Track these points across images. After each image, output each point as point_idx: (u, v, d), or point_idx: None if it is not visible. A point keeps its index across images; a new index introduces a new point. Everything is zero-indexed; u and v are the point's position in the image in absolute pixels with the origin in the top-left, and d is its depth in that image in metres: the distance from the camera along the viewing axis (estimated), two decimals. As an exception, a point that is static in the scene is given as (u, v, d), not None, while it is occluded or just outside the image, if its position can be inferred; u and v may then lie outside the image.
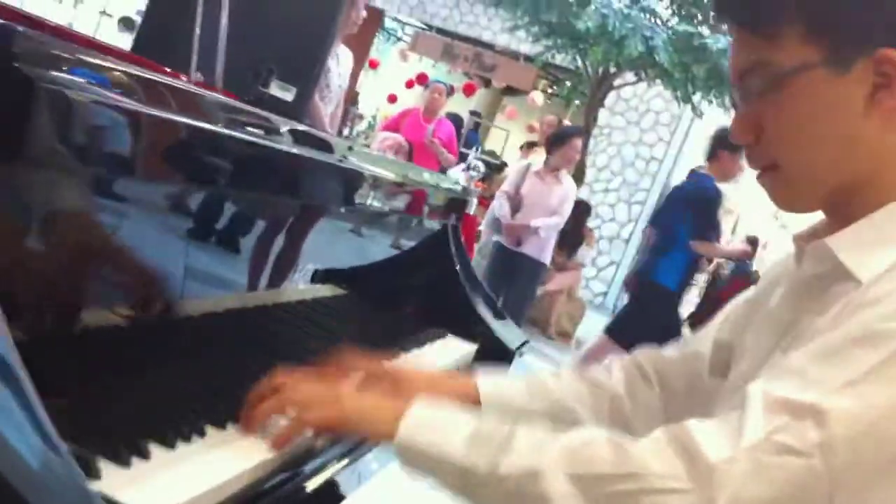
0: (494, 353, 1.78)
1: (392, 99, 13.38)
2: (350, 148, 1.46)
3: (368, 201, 1.61)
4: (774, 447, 0.75)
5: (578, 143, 5.62)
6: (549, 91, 12.55)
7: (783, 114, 0.89)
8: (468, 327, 1.81)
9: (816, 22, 0.87)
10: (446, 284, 1.94)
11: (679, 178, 9.71)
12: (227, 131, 1.04)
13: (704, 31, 6.94)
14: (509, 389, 1.16)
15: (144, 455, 0.78)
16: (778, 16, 0.88)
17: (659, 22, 7.09)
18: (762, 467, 0.75)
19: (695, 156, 9.28)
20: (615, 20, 6.49)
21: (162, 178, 0.98)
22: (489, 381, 1.16)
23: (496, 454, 0.84)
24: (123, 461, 0.76)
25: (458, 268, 2.03)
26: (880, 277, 0.81)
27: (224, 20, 1.45)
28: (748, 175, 7.81)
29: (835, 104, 0.87)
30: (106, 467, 0.73)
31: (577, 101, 11.41)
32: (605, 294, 10.38)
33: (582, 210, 6.40)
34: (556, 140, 5.70)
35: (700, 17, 7.21)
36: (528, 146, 8.65)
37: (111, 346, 0.97)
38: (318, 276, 1.67)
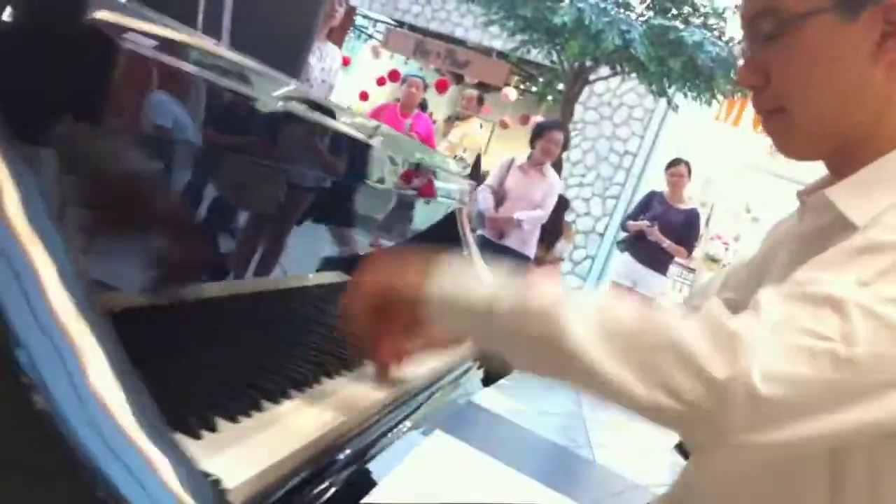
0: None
1: (363, 96, 13.33)
2: (377, 127, 1.44)
3: (385, 182, 1.59)
4: (797, 329, 0.73)
5: (557, 135, 5.63)
6: (522, 87, 12.56)
7: (791, 58, 0.90)
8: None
9: None
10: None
11: (653, 172, 9.79)
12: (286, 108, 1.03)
13: (679, 24, 6.99)
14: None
15: (213, 428, 0.77)
16: None
17: (634, 16, 7.12)
18: (788, 346, 0.72)
19: (669, 150, 9.35)
20: (591, 14, 6.50)
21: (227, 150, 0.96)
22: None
23: (521, 294, 0.82)
24: (195, 434, 0.74)
25: (465, 253, 2.02)
26: (876, 217, 0.82)
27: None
28: (722, 171, 7.91)
29: (841, 50, 0.89)
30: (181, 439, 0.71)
31: (549, 97, 11.44)
32: (581, 289, 10.42)
33: (561, 204, 6.41)
34: (535, 133, 5.72)
35: (674, 12, 7.26)
36: (448, 121, 8.69)
37: (152, 325, 0.95)
38: (325, 264, 1.65)
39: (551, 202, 5.74)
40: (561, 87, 8.56)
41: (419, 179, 1.79)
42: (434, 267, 0.91)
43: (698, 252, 9.36)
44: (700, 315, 0.76)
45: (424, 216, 2.04)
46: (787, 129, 0.94)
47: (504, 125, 11.88)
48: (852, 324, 0.72)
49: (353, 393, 1.01)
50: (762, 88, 0.94)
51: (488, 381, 1.87)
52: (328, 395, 0.97)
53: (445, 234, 2.03)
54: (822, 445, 0.81)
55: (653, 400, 0.74)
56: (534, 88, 12.31)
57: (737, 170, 10.88)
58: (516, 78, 12.24)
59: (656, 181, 8.14)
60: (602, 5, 6.60)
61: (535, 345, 0.81)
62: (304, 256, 1.44)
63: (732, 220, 11.34)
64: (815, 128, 0.93)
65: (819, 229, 0.92)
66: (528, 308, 0.81)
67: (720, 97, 7.37)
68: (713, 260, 10.72)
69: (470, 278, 0.89)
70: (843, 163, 0.93)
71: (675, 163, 6.42)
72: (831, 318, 0.73)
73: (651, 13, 7.14)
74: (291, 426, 0.85)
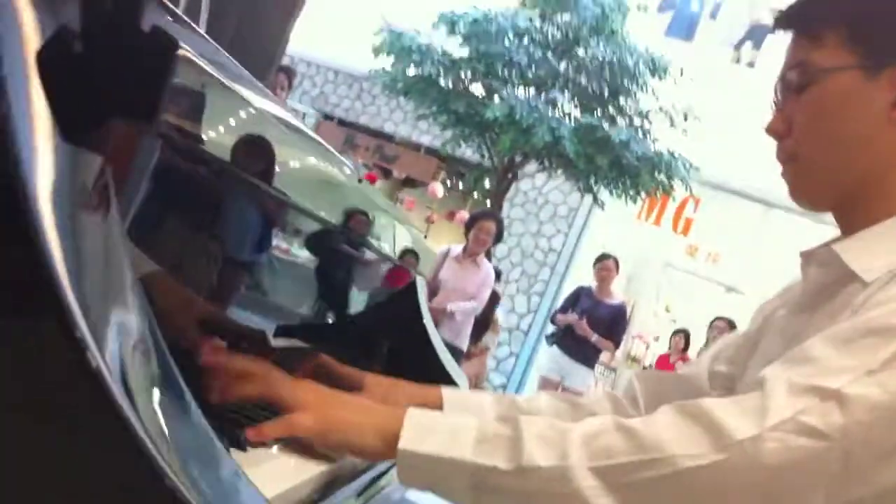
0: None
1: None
2: (360, 180, 1.41)
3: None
4: (799, 427, 0.77)
5: (489, 225, 5.67)
6: (450, 183, 12.73)
7: (812, 108, 0.97)
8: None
9: (857, 29, 0.95)
10: (414, 341, 1.88)
11: (578, 269, 9.94)
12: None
13: (605, 124, 7.22)
14: (475, 399, 1.14)
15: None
16: (824, 21, 0.97)
17: (562, 114, 7.32)
18: (787, 446, 0.77)
19: (593, 247, 9.53)
20: (522, 110, 6.67)
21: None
22: (453, 390, 1.15)
23: (511, 450, 0.81)
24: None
25: (425, 321, 1.98)
26: (888, 281, 0.86)
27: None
28: (643, 269, 8.02)
29: (859, 105, 0.95)
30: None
31: (476, 194, 11.61)
32: (504, 387, 10.37)
33: (493, 297, 6.44)
34: (468, 224, 5.75)
35: (600, 112, 7.50)
36: None
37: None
38: (281, 332, 1.59)
39: (486, 294, 5.74)
40: (488, 183, 8.71)
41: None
42: (406, 415, 0.86)
43: (619, 352, 9.46)
44: (697, 421, 0.79)
45: (381, 287, 2.00)
46: (800, 176, 1.00)
47: (430, 220, 11.96)
48: (853, 417, 0.78)
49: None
50: (784, 138, 1.00)
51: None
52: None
53: (404, 305, 1.98)
54: None
55: None
56: (461, 185, 12.49)
57: (657, 269, 11.14)
58: (444, 174, 12.40)
59: (580, 279, 8.26)
60: (532, 102, 6.78)
61: (534, 499, 0.81)
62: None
63: (653, 319, 11.52)
64: (824, 174, 0.98)
65: (825, 286, 0.96)
66: (525, 470, 0.81)
67: (643, 195, 7.58)
68: (634, 360, 10.82)
69: (449, 431, 0.85)
70: (851, 216, 0.98)
71: (603, 258, 6.53)
72: (836, 415, 0.78)
73: (578, 112, 7.36)
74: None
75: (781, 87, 1.01)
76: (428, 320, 1.98)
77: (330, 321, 1.81)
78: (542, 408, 1.15)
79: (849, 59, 0.94)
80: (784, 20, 1.02)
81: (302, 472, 0.88)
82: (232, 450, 0.79)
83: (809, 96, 0.97)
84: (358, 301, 1.96)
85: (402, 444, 0.83)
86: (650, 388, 1.19)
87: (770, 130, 1.01)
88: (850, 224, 0.97)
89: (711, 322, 7.05)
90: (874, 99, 0.94)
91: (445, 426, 0.86)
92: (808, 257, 1.02)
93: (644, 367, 10.03)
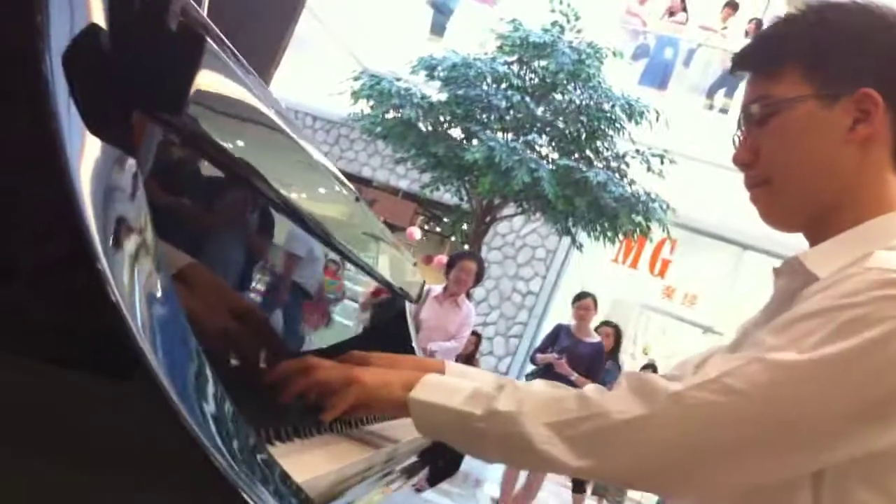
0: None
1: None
2: (357, 199, 1.43)
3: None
4: (720, 386, 0.88)
5: (470, 265, 5.70)
6: (427, 227, 12.79)
7: (777, 137, 1.06)
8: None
9: (812, 65, 1.04)
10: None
11: (556, 312, 9.98)
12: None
13: (583, 167, 7.31)
14: (476, 371, 1.28)
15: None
16: (782, 58, 1.06)
17: (540, 156, 7.41)
18: (706, 401, 0.88)
19: (570, 290, 9.58)
20: (502, 153, 6.75)
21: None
22: (455, 365, 1.28)
23: (486, 403, 0.98)
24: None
25: (414, 345, 2.00)
26: (833, 272, 0.95)
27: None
28: (620, 312, 8.04)
29: (819, 131, 1.03)
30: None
31: (454, 238, 11.66)
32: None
33: (476, 339, 6.47)
34: (449, 264, 5.79)
35: (578, 155, 7.60)
36: None
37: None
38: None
39: (466, 333, 5.76)
40: (465, 227, 8.76)
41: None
42: (416, 381, 1.05)
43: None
44: (637, 386, 0.92)
45: (373, 314, 2.01)
46: (771, 199, 1.09)
47: (408, 264, 11.98)
48: (774, 378, 0.87)
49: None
50: (751, 166, 1.08)
51: (433, 480, 1.81)
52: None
53: (394, 330, 2.00)
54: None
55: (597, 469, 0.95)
56: (438, 228, 12.54)
57: (635, 311, 11.20)
58: (421, 218, 12.47)
59: (558, 321, 8.28)
60: (512, 145, 6.86)
61: (504, 446, 0.98)
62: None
63: (631, 361, 11.56)
64: (795, 197, 1.07)
65: (790, 292, 1.03)
66: (493, 416, 0.97)
67: (621, 236, 7.66)
68: (611, 402, 10.81)
69: (450, 388, 1.04)
70: (820, 233, 1.05)
71: (582, 296, 6.57)
72: (759, 375, 0.87)
73: (556, 155, 7.46)
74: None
75: (744, 121, 1.09)
76: (416, 346, 2.00)
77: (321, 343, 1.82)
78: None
79: (806, 90, 1.03)
80: (741, 62, 1.12)
81: (320, 467, 0.91)
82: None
83: (773, 126, 1.06)
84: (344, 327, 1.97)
85: (413, 393, 1.03)
86: None
87: (737, 160, 1.10)
88: (819, 240, 1.05)
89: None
90: (833, 124, 1.03)
91: (450, 384, 1.05)
92: (777, 271, 1.10)
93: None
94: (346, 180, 1.58)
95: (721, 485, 0.94)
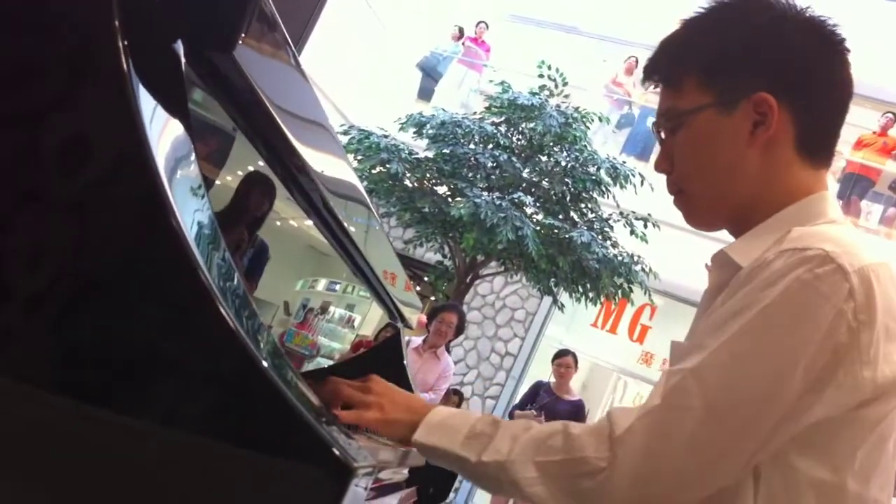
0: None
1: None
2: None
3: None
4: (666, 406, 0.94)
5: (450, 317, 5.71)
6: (407, 285, 12.75)
7: (685, 146, 1.11)
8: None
9: (707, 74, 1.09)
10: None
11: (534, 374, 9.94)
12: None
13: (567, 226, 7.37)
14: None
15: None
16: (680, 70, 1.11)
17: (525, 216, 7.47)
18: (655, 426, 0.94)
19: (550, 352, 9.56)
20: (487, 210, 6.80)
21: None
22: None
23: (480, 448, 1.04)
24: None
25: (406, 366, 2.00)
26: (754, 261, 1.00)
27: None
28: (599, 376, 8.02)
29: (724, 137, 1.08)
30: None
31: (433, 298, 11.64)
32: (456, 490, 10.19)
33: (459, 396, 6.44)
34: (430, 316, 5.79)
35: (562, 216, 7.66)
36: None
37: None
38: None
39: (444, 386, 5.73)
40: (445, 285, 8.76)
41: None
42: (424, 417, 1.12)
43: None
44: (604, 429, 0.98)
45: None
46: (688, 205, 1.14)
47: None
48: (705, 383, 0.93)
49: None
50: (670, 173, 1.14)
51: (424, 504, 1.80)
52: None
53: (388, 354, 2.01)
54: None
55: None
56: (418, 288, 12.53)
57: (612, 376, 11.18)
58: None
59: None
60: (497, 202, 6.92)
61: (497, 488, 1.06)
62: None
63: (606, 427, 11.48)
64: (707, 201, 1.12)
65: (720, 284, 1.07)
66: (485, 463, 1.04)
67: (603, 298, 7.68)
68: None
69: (449, 430, 1.09)
70: (742, 227, 1.11)
71: (562, 353, 6.58)
72: (693, 386, 0.94)
73: (541, 215, 7.51)
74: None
75: (658, 133, 1.14)
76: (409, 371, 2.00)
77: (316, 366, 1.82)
78: None
79: (705, 100, 1.08)
80: (648, 74, 1.17)
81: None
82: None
83: (680, 137, 1.10)
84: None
85: (415, 436, 1.10)
86: None
87: (657, 168, 1.15)
88: (742, 233, 1.10)
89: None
90: (735, 129, 1.07)
91: (451, 423, 1.10)
92: (710, 266, 1.13)
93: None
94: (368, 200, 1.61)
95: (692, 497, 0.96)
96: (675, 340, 1.15)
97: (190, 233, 0.65)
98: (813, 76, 1.08)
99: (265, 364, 0.63)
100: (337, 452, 0.64)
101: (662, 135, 1.14)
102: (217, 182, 0.94)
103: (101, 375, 0.63)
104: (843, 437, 0.95)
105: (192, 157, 0.75)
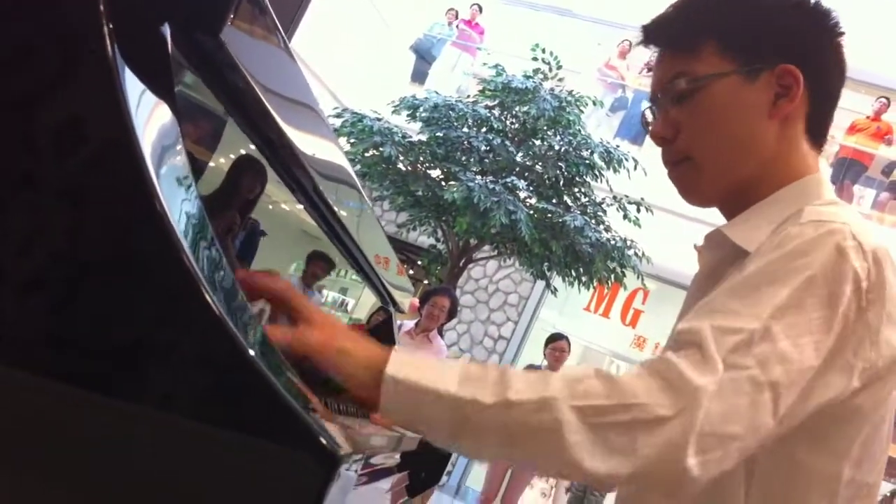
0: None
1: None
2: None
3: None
4: (732, 369, 0.86)
5: (442, 301, 5.70)
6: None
7: (699, 113, 1.06)
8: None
9: (727, 41, 1.05)
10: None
11: (527, 357, 9.97)
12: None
13: (561, 210, 7.37)
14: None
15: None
16: (695, 35, 1.06)
17: (518, 199, 7.46)
18: (727, 388, 0.85)
19: (542, 337, 9.58)
20: (480, 193, 6.79)
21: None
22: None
23: (497, 386, 0.85)
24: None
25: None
26: (765, 241, 0.96)
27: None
28: (592, 360, 8.05)
29: (743, 106, 1.05)
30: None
31: (426, 281, 11.65)
32: (449, 473, 10.23)
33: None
34: (422, 300, 5.78)
35: (555, 200, 7.66)
36: None
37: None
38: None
39: (437, 370, 5.72)
40: (439, 269, 8.77)
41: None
42: (392, 351, 0.89)
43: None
44: (663, 377, 0.87)
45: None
46: (692, 175, 1.09)
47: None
48: (766, 350, 0.87)
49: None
50: (671, 142, 1.09)
51: (413, 491, 1.80)
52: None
53: (380, 338, 2.00)
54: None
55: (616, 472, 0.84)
56: (412, 272, 12.53)
57: (605, 360, 11.21)
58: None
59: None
60: (491, 186, 6.91)
61: (517, 430, 0.85)
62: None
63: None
64: (717, 172, 1.08)
65: (716, 265, 1.05)
66: (512, 402, 0.85)
67: (596, 282, 7.69)
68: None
69: (434, 367, 0.89)
70: (737, 206, 1.08)
71: (556, 338, 6.58)
72: (757, 348, 0.87)
73: (534, 199, 7.51)
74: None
75: (661, 98, 1.09)
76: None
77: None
78: None
79: (726, 66, 1.05)
80: (652, 37, 1.12)
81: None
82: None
83: (695, 102, 1.06)
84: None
85: (389, 369, 0.86)
86: None
87: (656, 136, 1.10)
88: (736, 212, 1.07)
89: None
90: (755, 99, 1.04)
91: (431, 363, 0.90)
92: (701, 248, 1.11)
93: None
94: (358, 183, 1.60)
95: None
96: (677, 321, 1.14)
97: (176, 220, 0.64)
98: (826, 54, 1.07)
99: (252, 353, 0.63)
100: (323, 441, 0.63)
101: (661, 102, 1.10)
102: (206, 166, 0.93)
103: (85, 360, 0.63)
104: (844, 426, 0.95)
105: (180, 143, 0.74)
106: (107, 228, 0.65)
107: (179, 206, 0.66)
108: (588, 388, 0.85)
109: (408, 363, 0.88)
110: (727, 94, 1.04)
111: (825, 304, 0.89)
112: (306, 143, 1.07)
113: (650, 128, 1.12)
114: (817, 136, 1.10)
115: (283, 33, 0.90)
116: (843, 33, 1.08)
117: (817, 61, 1.06)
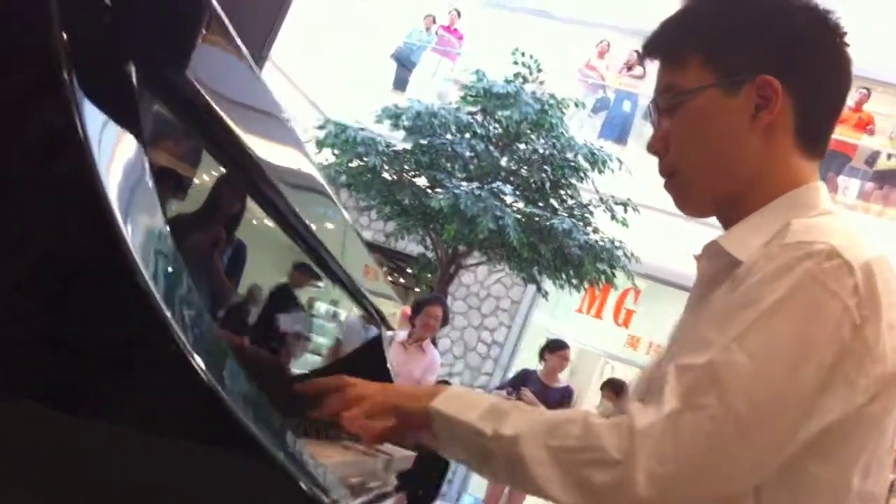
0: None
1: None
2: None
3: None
4: (686, 407, 0.89)
5: (436, 310, 5.67)
6: (391, 279, 12.74)
7: (684, 126, 1.07)
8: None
9: (712, 53, 1.06)
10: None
11: (521, 362, 9.93)
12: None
13: (548, 214, 7.36)
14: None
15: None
16: (683, 46, 1.07)
17: (504, 205, 7.45)
18: (675, 429, 0.89)
19: (535, 340, 9.55)
20: (467, 200, 6.77)
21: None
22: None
23: (497, 421, 0.98)
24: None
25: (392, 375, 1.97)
26: (754, 254, 0.97)
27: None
28: (585, 362, 8.07)
29: (725, 119, 1.05)
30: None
31: (416, 289, 11.62)
32: (449, 482, 10.18)
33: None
34: (415, 309, 5.75)
35: (542, 203, 7.65)
36: None
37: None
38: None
39: (431, 379, 5.69)
40: (429, 277, 8.75)
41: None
42: (443, 390, 1.07)
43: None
44: (623, 423, 0.92)
45: (351, 338, 1.98)
46: (682, 187, 1.10)
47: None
48: (723, 384, 0.89)
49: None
50: (664, 155, 1.10)
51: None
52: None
53: (370, 358, 1.98)
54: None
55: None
56: (402, 280, 12.50)
57: (599, 361, 11.20)
58: (385, 269, 12.42)
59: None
60: (477, 192, 6.88)
61: (508, 467, 0.99)
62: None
63: (595, 411, 11.50)
64: (704, 185, 1.08)
65: (713, 274, 1.05)
66: (500, 436, 0.98)
67: (586, 284, 7.68)
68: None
69: (469, 402, 1.04)
70: (732, 215, 1.08)
71: (562, 345, 6.60)
72: (709, 385, 0.89)
73: (521, 203, 7.49)
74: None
75: (655, 110, 1.11)
76: (393, 373, 1.98)
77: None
78: None
79: (708, 79, 1.05)
80: (650, 49, 1.13)
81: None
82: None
83: (679, 116, 1.07)
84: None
85: (433, 403, 1.04)
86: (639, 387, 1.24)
87: (650, 149, 1.11)
88: (733, 222, 1.07)
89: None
90: (736, 112, 1.04)
91: (472, 397, 1.07)
92: (699, 256, 1.11)
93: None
94: (335, 199, 1.57)
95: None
96: (677, 326, 1.14)
97: (134, 237, 0.61)
98: (817, 63, 1.06)
99: (213, 381, 0.59)
100: (304, 486, 0.60)
101: (656, 114, 1.11)
102: (174, 192, 0.90)
103: (32, 367, 0.60)
104: (853, 437, 0.94)
105: (144, 161, 0.71)
106: (54, 232, 0.62)
107: (137, 221, 0.63)
108: (568, 430, 0.95)
109: (453, 397, 1.05)
110: (708, 108, 1.05)
111: (800, 328, 0.89)
112: (270, 155, 1.04)
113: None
114: (814, 143, 1.08)
115: (237, 39, 0.87)
116: (845, 33, 1.07)
117: (817, 66, 1.06)
